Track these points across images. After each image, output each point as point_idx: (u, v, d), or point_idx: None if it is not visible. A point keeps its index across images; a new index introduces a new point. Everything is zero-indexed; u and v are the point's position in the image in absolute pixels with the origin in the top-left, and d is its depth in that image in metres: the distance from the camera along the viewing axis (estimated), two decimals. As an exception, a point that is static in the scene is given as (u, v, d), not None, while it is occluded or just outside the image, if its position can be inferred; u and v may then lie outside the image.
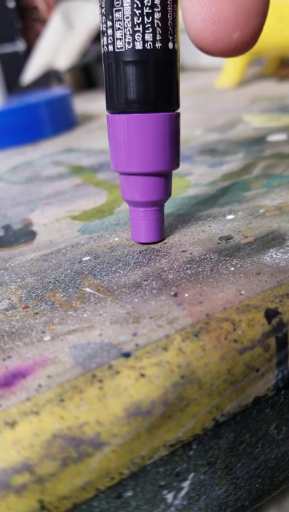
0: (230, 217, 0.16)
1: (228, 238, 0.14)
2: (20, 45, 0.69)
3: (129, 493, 0.10)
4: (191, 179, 0.21)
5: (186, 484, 0.11)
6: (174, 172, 0.22)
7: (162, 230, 0.15)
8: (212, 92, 0.45)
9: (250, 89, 0.44)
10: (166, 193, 0.14)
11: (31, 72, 0.60)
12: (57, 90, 0.43)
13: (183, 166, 0.23)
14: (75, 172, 0.25)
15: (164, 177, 0.14)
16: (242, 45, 0.11)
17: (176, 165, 0.14)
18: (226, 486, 0.12)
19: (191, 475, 0.11)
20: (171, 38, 0.12)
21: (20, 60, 0.68)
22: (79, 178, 0.24)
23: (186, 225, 0.16)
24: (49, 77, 0.58)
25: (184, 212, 0.17)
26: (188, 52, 0.66)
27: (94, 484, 0.09)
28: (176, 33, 0.13)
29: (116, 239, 0.16)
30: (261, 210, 0.16)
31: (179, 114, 0.14)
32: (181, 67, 0.67)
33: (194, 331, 0.11)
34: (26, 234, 0.18)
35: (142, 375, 0.10)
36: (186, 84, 0.53)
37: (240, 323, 0.11)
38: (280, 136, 0.25)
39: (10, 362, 0.10)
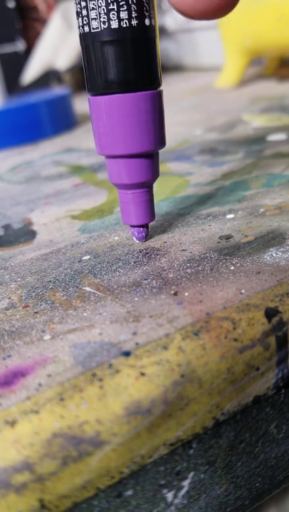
0: (230, 216, 0.16)
1: (228, 237, 0.14)
2: (20, 45, 0.69)
3: (129, 492, 0.10)
4: (191, 179, 0.21)
5: (186, 483, 0.11)
6: (175, 171, 0.22)
7: (153, 212, 0.15)
8: (212, 92, 0.45)
9: (250, 89, 0.44)
10: (154, 173, 0.14)
11: (31, 72, 0.60)
12: (57, 90, 0.43)
13: (183, 166, 0.23)
14: (75, 172, 0.25)
15: (151, 157, 0.14)
16: (224, 4, 0.11)
17: (162, 144, 0.14)
18: (226, 485, 0.12)
19: (191, 474, 0.11)
20: (147, 14, 0.12)
21: (20, 60, 0.68)
22: (79, 177, 0.24)
23: (186, 224, 0.16)
24: (49, 77, 0.58)
25: (184, 212, 0.17)
26: (188, 53, 0.66)
27: (94, 483, 0.09)
28: (153, 9, 0.12)
29: (116, 238, 0.16)
30: (261, 210, 0.16)
31: (161, 91, 0.13)
32: (180, 67, 0.66)
33: (194, 330, 0.11)
34: (26, 233, 0.18)
35: (142, 374, 0.10)
36: (186, 84, 0.53)
37: (240, 322, 0.11)
38: (279, 136, 0.25)
39: (10, 361, 0.10)
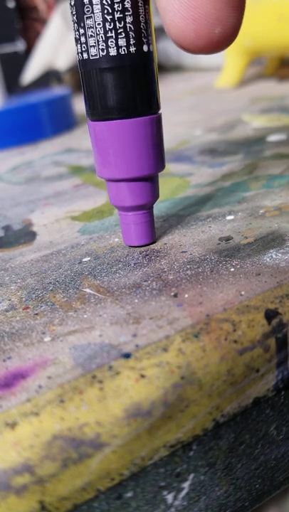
0: (230, 217, 0.16)
1: (228, 239, 0.14)
2: (20, 45, 0.69)
3: (129, 494, 0.10)
4: (191, 179, 0.21)
5: (186, 485, 0.11)
6: (174, 172, 0.22)
7: (153, 232, 0.15)
8: (212, 92, 0.45)
9: (250, 89, 0.44)
10: (154, 195, 0.14)
11: (31, 72, 0.60)
12: (57, 90, 0.43)
13: (183, 167, 0.23)
14: (75, 172, 0.25)
15: (151, 180, 0.14)
16: (224, 40, 0.11)
17: (162, 167, 0.14)
18: (225, 487, 0.12)
19: (191, 476, 0.11)
20: (145, 40, 0.12)
21: (20, 60, 0.68)
22: (79, 178, 0.24)
23: (185, 226, 0.16)
24: (49, 77, 0.58)
25: (184, 213, 0.17)
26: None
27: (94, 485, 0.09)
28: (151, 35, 0.12)
29: (116, 239, 0.16)
30: (261, 211, 0.16)
31: (160, 115, 0.13)
32: (180, 67, 0.66)
33: (194, 332, 0.11)
34: (26, 234, 0.18)
35: (142, 376, 0.10)
36: (186, 84, 0.53)
37: (240, 323, 0.11)
38: (279, 136, 0.25)
39: (10, 363, 0.10)
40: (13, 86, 0.59)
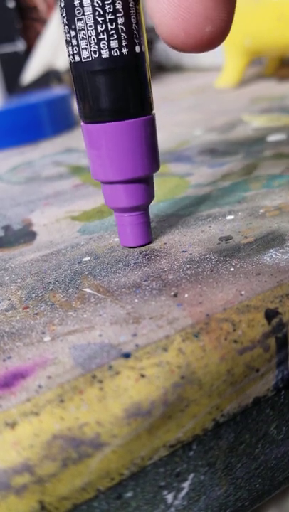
0: (230, 217, 0.16)
1: (228, 238, 0.14)
2: (20, 45, 0.69)
3: (129, 494, 0.10)
4: (191, 179, 0.21)
5: (186, 485, 0.11)
6: (174, 172, 0.22)
7: (149, 233, 0.15)
8: (212, 92, 0.45)
9: (250, 89, 0.44)
10: (149, 196, 0.14)
11: (31, 72, 0.60)
12: (57, 90, 0.43)
13: (183, 167, 0.23)
14: (75, 172, 0.25)
15: (146, 181, 0.14)
16: (215, 38, 0.11)
17: (156, 167, 0.14)
18: (226, 487, 0.12)
19: (191, 475, 0.11)
20: (137, 41, 0.12)
21: (20, 60, 0.68)
22: (79, 178, 0.24)
23: (186, 226, 0.16)
24: (49, 77, 0.58)
25: (184, 213, 0.17)
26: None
27: (94, 485, 0.09)
28: (142, 36, 0.12)
29: (116, 239, 0.16)
30: (261, 211, 0.16)
31: (153, 116, 0.13)
32: (180, 67, 0.66)
33: (194, 332, 0.11)
34: (26, 234, 0.18)
35: (142, 376, 0.10)
36: (186, 84, 0.53)
37: (240, 323, 0.11)
38: (279, 136, 0.25)
39: (10, 362, 0.10)
40: (13, 86, 0.59)
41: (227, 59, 0.46)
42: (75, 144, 0.33)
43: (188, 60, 0.66)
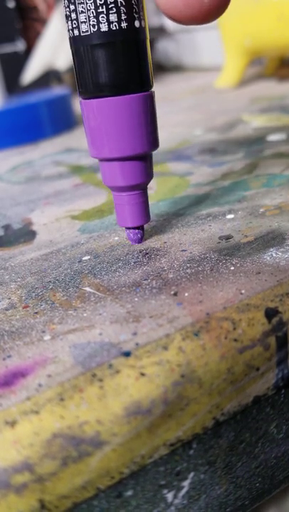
0: (230, 216, 0.16)
1: (228, 237, 0.14)
2: (20, 45, 0.69)
3: (130, 493, 0.10)
4: (191, 179, 0.21)
5: (186, 483, 0.11)
6: (175, 171, 0.22)
7: (148, 213, 0.15)
8: (212, 92, 0.45)
9: (250, 89, 0.44)
10: (148, 175, 0.14)
11: (31, 72, 0.60)
12: (57, 90, 0.43)
13: (183, 166, 0.23)
14: (75, 172, 0.25)
15: (145, 159, 0.14)
16: (214, 9, 0.11)
17: (155, 145, 0.14)
18: (226, 485, 0.12)
19: (191, 474, 0.11)
20: (136, 16, 0.12)
21: (20, 60, 0.68)
22: (79, 177, 0.24)
23: (186, 225, 0.16)
24: (49, 77, 0.58)
25: (184, 212, 0.17)
26: (188, 53, 0.66)
27: (94, 483, 0.09)
28: (142, 11, 0.12)
29: (116, 238, 0.16)
30: (261, 210, 0.16)
31: (152, 93, 0.13)
32: (180, 67, 0.66)
33: (194, 330, 0.11)
34: (26, 233, 0.18)
35: (142, 374, 0.10)
36: (186, 84, 0.53)
37: (240, 322, 0.11)
38: (279, 136, 0.25)
39: (10, 361, 0.10)
40: (13, 86, 0.59)
41: (227, 59, 0.46)
42: (75, 143, 0.33)
43: (189, 60, 0.66)
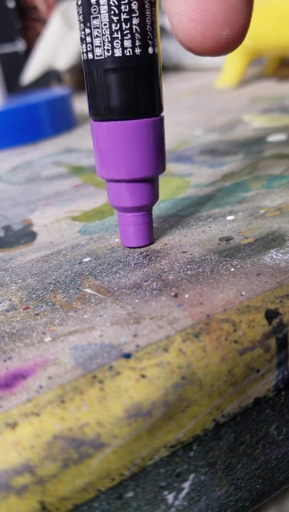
0: (230, 217, 0.16)
1: (228, 239, 0.14)
2: (20, 45, 0.69)
3: (130, 494, 0.10)
4: (191, 180, 0.21)
5: (186, 485, 0.11)
6: (175, 172, 0.22)
7: (151, 234, 0.15)
8: (212, 92, 0.45)
9: (250, 89, 0.44)
10: (154, 197, 0.14)
11: (31, 72, 0.60)
12: (57, 90, 0.43)
13: (183, 167, 0.23)
14: (75, 172, 0.25)
15: (151, 181, 0.14)
16: (232, 42, 0.11)
17: (163, 169, 0.14)
18: (226, 487, 0.12)
19: (192, 476, 0.11)
20: (150, 42, 0.12)
21: (20, 60, 0.68)
22: (79, 178, 0.24)
23: (186, 226, 0.16)
24: (49, 77, 0.58)
25: (184, 213, 0.17)
26: (188, 53, 0.66)
27: (94, 485, 0.09)
28: (156, 37, 0.12)
29: (116, 240, 0.16)
30: (261, 211, 0.16)
31: (162, 118, 0.14)
32: (180, 67, 0.66)
33: (195, 332, 0.11)
34: (26, 235, 0.18)
35: (143, 376, 0.10)
36: (186, 84, 0.53)
37: (240, 324, 0.11)
38: (280, 137, 0.25)
39: (10, 363, 0.10)
40: (13, 86, 0.59)
41: (227, 59, 0.46)
42: (75, 144, 0.33)
43: (189, 60, 0.66)
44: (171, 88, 0.52)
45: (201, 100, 0.41)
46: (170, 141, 0.28)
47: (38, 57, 0.61)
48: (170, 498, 0.11)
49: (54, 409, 0.09)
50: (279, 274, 0.12)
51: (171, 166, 0.23)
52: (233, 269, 0.13)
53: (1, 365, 0.10)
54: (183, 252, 0.14)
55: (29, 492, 0.09)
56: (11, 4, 0.67)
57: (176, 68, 0.68)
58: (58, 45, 0.60)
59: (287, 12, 0.38)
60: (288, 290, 0.12)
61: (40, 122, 0.36)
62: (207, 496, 0.11)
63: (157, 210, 0.18)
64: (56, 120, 0.37)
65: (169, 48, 0.68)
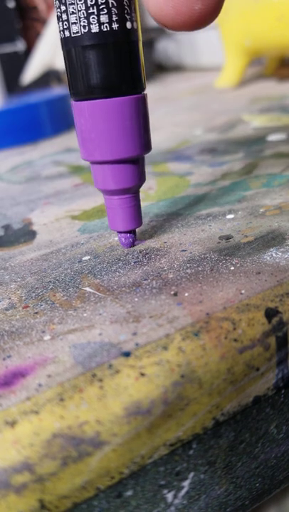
0: (230, 216, 0.16)
1: (228, 237, 0.14)
2: (20, 45, 0.69)
3: (129, 493, 0.10)
4: (191, 179, 0.21)
5: (186, 483, 0.11)
6: (175, 171, 0.22)
7: (140, 217, 0.14)
8: (212, 92, 0.45)
9: (250, 89, 0.44)
10: (140, 178, 0.14)
11: (31, 72, 0.60)
12: (57, 90, 0.43)
13: (183, 166, 0.23)
14: (75, 172, 0.25)
15: (136, 162, 0.13)
16: (205, 16, 0.11)
17: (148, 149, 0.13)
18: (226, 485, 0.12)
19: (191, 474, 0.11)
20: (128, 17, 0.12)
21: (20, 60, 0.68)
22: (79, 177, 0.24)
23: (186, 225, 0.16)
24: (49, 77, 0.58)
25: (184, 212, 0.17)
26: (188, 53, 0.66)
27: (94, 483, 0.09)
28: (135, 12, 0.12)
29: (116, 238, 0.16)
30: (261, 210, 0.16)
31: (145, 95, 0.13)
32: (180, 67, 0.66)
33: (194, 330, 0.11)
34: (26, 233, 0.18)
35: (142, 374, 0.10)
36: (186, 84, 0.53)
37: (240, 322, 0.11)
38: (279, 136, 0.25)
39: (10, 361, 0.10)
40: (13, 86, 0.59)
41: (227, 59, 0.46)
42: (74, 143, 0.33)
43: (189, 60, 0.66)
44: (171, 88, 0.52)
45: (201, 100, 0.41)
46: (170, 141, 0.28)
47: (38, 57, 0.61)
48: (169, 496, 0.11)
49: (53, 408, 0.09)
50: (279, 272, 0.12)
51: (170, 165, 0.23)
52: (232, 268, 0.13)
53: (1, 364, 0.10)
54: (183, 251, 0.14)
55: (28, 490, 0.09)
56: (11, 4, 0.67)
57: (176, 68, 0.68)
58: (58, 45, 0.60)
59: (287, 12, 0.38)
60: (288, 288, 0.12)
61: (40, 122, 0.36)
62: (207, 495, 0.11)
63: (157, 208, 0.18)
64: (56, 120, 0.37)
65: (169, 48, 0.68)
